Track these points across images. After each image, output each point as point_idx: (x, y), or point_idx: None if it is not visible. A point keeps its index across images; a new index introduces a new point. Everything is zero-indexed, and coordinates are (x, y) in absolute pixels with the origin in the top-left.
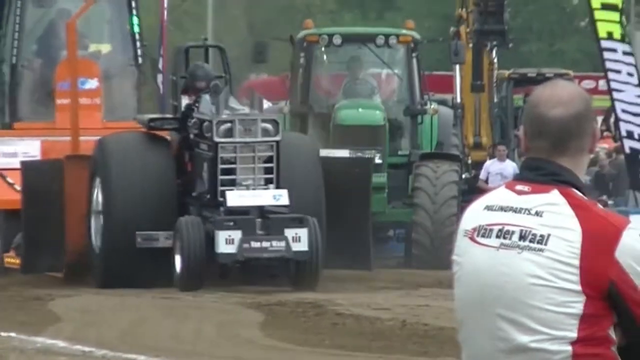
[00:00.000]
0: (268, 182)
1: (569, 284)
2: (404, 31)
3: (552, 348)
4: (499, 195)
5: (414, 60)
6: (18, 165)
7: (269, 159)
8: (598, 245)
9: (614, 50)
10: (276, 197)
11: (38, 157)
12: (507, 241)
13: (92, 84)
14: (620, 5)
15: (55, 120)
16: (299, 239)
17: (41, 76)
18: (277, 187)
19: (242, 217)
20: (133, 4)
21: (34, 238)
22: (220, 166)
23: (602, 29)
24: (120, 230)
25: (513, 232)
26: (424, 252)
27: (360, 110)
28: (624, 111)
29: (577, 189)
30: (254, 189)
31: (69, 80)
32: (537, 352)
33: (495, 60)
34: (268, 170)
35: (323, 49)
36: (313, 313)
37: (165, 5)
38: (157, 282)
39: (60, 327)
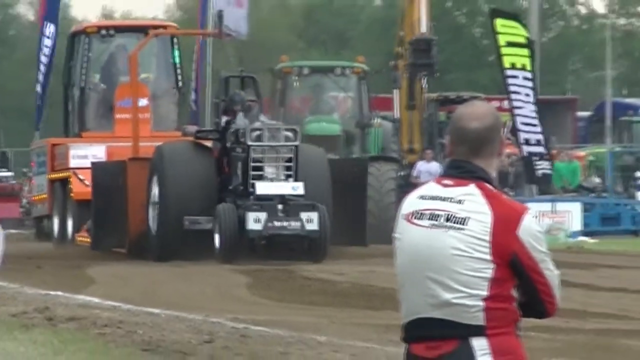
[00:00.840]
0: (288, 177)
1: (482, 254)
2: (356, 64)
3: (469, 303)
4: (430, 187)
5: (364, 86)
6: (88, 165)
7: (289, 159)
8: (504, 226)
9: (515, 77)
10: (294, 188)
11: (104, 159)
12: (436, 222)
13: (143, 102)
14: (525, 41)
15: (114, 130)
16: (311, 221)
17: (103, 96)
18: (295, 180)
19: (267, 202)
20: (175, 40)
21: (101, 222)
22: (252, 164)
23: (507, 61)
24: (172, 216)
25: (441, 215)
26: (372, 231)
27: (323, 124)
28: (522, 123)
29: (488, 183)
30: (277, 182)
31: (126, 99)
32: (458, 306)
33: (425, 86)
34: (288, 168)
35: (295, 77)
36: (286, 277)
37: (199, 44)
38: (200, 257)
39: (96, 287)
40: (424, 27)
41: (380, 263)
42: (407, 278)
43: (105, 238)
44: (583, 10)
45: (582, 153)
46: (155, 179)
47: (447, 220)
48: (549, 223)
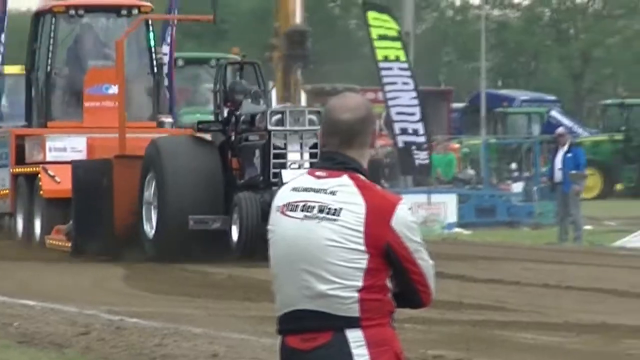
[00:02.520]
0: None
1: (356, 245)
2: (230, 55)
3: (343, 294)
4: (303, 179)
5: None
6: (67, 159)
7: (314, 145)
8: (378, 216)
9: (390, 69)
10: None
11: (84, 152)
12: (309, 213)
13: (115, 89)
14: (397, 34)
15: (83, 120)
16: None
17: (70, 82)
18: None
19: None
20: (150, 22)
21: (83, 227)
22: (273, 151)
23: (380, 54)
24: (174, 217)
25: (314, 207)
26: None
27: (198, 115)
28: (398, 113)
29: (361, 174)
30: (303, 170)
31: (96, 86)
32: (333, 298)
33: (300, 77)
34: (314, 155)
35: None
36: (163, 269)
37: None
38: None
39: None
40: (298, 18)
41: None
42: (281, 270)
43: (87, 243)
44: (457, 1)
45: (456, 145)
46: (150, 177)
47: (320, 211)
48: (424, 215)
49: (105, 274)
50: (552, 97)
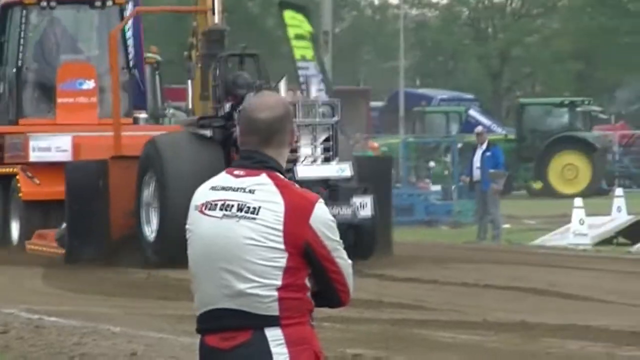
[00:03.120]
0: (326, 159)
1: (275, 243)
2: (149, 54)
3: (262, 293)
4: (221, 178)
5: (157, 77)
6: (52, 159)
7: (327, 139)
8: (297, 215)
9: (307, 68)
10: (341, 169)
11: (70, 152)
12: (228, 212)
13: (89, 84)
14: (308, 35)
15: (56, 117)
16: (365, 206)
17: (42, 77)
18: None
19: (311, 184)
20: (125, 14)
21: (78, 231)
22: None
23: (297, 53)
24: (177, 218)
25: (232, 206)
26: None
27: None
28: None
29: (280, 172)
30: (319, 164)
31: (70, 81)
32: (252, 296)
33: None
34: (327, 149)
35: None
36: (84, 268)
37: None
38: None
39: None
40: (216, 17)
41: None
42: (200, 269)
43: (82, 248)
44: (376, 0)
45: (375, 144)
46: (148, 177)
47: (239, 210)
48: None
49: (23, 273)
50: (471, 96)
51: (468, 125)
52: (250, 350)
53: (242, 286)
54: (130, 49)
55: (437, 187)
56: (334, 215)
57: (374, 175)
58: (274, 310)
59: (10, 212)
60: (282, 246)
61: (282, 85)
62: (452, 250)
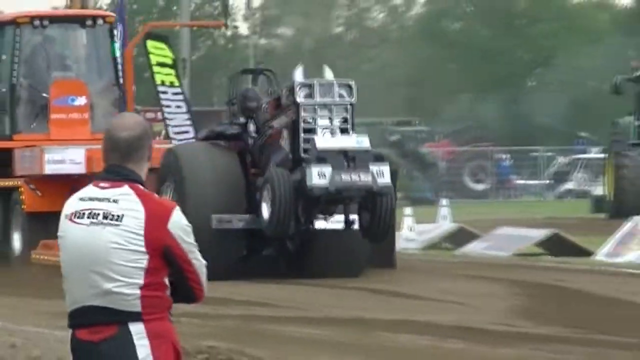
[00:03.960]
0: (344, 131)
1: (137, 247)
2: None
3: (127, 291)
4: (89, 190)
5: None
6: (67, 172)
7: (344, 120)
8: (156, 220)
9: (165, 92)
10: (359, 141)
11: (83, 164)
12: (95, 220)
13: (82, 100)
14: (171, 62)
15: (49, 132)
16: (382, 174)
17: (35, 94)
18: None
19: (331, 154)
20: (115, 32)
21: None
22: (303, 125)
23: (158, 78)
24: (194, 219)
25: (99, 214)
26: None
27: None
28: (175, 132)
29: (140, 184)
30: (337, 136)
31: (62, 97)
32: (117, 294)
33: None
34: (344, 131)
35: None
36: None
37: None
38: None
39: None
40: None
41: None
42: (71, 271)
43: None
44: (228, 32)
45: None
46: (167, 185)
47: (105, 218)
48: None
49: None
50: None
51: None
52: (115, 343)
53: (108, 285)
54: (119, 67)
55: None
56: (353, 182)
57: None
58: (137, 307)
59: (12, 224)
60: (143, 249)
61: (298, 71)
62: None
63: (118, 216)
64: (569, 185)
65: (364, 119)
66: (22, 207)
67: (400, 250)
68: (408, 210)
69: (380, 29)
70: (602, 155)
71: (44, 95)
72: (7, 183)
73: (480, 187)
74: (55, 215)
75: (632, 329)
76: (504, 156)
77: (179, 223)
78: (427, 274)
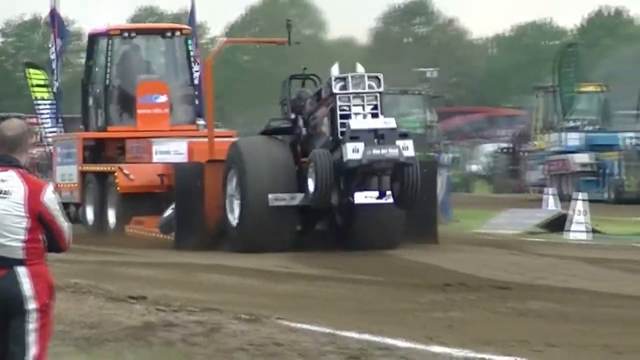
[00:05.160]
0: (374, 115)
1: (20, 213)
2: None
3: (14, 244)
4: None
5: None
6: (172, 160)
7: (375, 107)
8: (34, 194)
9: (40, 105)
10: (386, 122)
11: (185, 155)
12: None
13: (163, 98)
14: (44, 83)
15: (136, 125)
16: (407, 148)
17: (124, 93)
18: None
19: (363, 133)
20: (190, 42)
21: (183, 222)
22: (339, 112)
23: (37, 95)
24: (254, 201)
25: None
26: None
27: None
28: (48, 132)
29: (21, 168)
30: (368, 119)
31: (147, 96)
32: (8, 247)
33: None
34: (374, 116)
35: None
36: None
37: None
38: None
39: None
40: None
41: None
42: None
43: (187, 237)
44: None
45: None
46: (231, 173)
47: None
48: None
49: None
50: None
51: None
52: (6, 281)
53: (1, 240)
54: (193, 70)
55: None
56: (383, 155)
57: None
58: (21, 255)
59: (107, 202)
60: (25, 214)
61: (335, 67)
62: None
63: (7, 191)
64: None
65: None
66: (117, 188)
67: None
68: None
69: None
70: None
71: (132, 94)
72: (103, 168)
73: None
74: (144, 195)
75: (384, 272)
76: None
77: (49, 196)
78: None
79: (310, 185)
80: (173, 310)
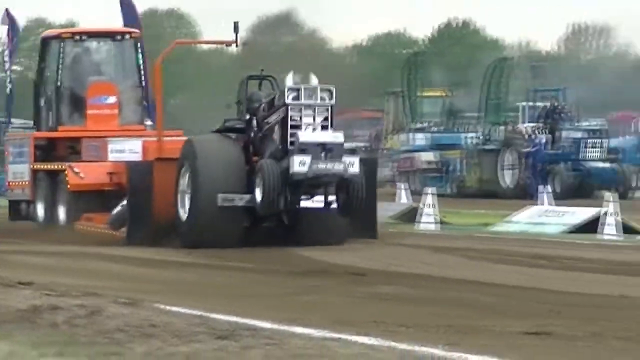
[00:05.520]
0: (324, 128)
1: None
2: None
3: None
4: None
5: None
6: (127, 159)
7: (325, 119)
8: None
9: None
10: (335, 136)
11: (140, 154)
12: None
13: (112, 99)
14: None
15: (86, 125)
16: (353, 165)
17: (74, 94)
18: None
19: (311, 146)
20: (139, 44)
21: (135, 218)
22: (290, 122)
23: None
24: (205, 198)
25: None
26: None
27: None
28: None
29: None
30: (317, 132)
31: (97, 97)
32: None
33: None
34: (324, 127)
35: None
36: None
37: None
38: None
39: None
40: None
41: None
42: None
43: (138, 232)
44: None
45: None
46: (184, 169)
47: None
48: None
49: None
50: None
51: None
52: None
53: None
54: (142, 73)
55: None
56: (328, 170)
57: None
58: None
59: (58, 199)
60: None
61: (289, 77)
62: None
63: None
64: None
65: None
66: (67, 186)
67: None
68: None
69: None
70: None
71: (82, 95)
72: (54, 166)
73: None
74: (94, 193)
75: (266, 263)
76: None
77: None
78: None
79: (258, 194)
80: (58, 295)
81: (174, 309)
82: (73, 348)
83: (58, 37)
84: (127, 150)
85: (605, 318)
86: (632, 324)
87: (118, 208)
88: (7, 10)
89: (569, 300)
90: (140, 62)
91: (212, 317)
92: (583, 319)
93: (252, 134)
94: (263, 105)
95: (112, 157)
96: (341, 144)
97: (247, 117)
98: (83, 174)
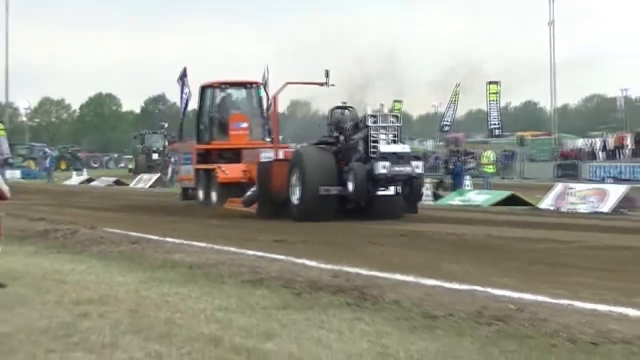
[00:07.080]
0: (394, 141)
1: None
2: None
3: None
4: None
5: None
6: (268, 160)
7: (394, 136)
8: None
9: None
10: (404, 147)
11: (272, 157)
12: None
13: (245, 124)
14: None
15: (229, 140)
16: (418, 167)
17: (221, 121)
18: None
19: (389, 154)
20: (260, 89)
21: (262, 199)
22: (371, 139)
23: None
24: (310, 189)
25: None
26: None
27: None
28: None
29: None
30: (391, 145)
31: (236, 123)
32: None
33: None
34: (393, 142)
35: None
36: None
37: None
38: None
39: None
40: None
41: None
42: None
43: (264, 208)
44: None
45: None
46: (294, 170)
47: None
48: None
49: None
50: None
51: None
52: None
53: None
54: (262, 107)
55: None
56: (401, 171)
57: None
58: None
59: (211, 188)
60: None
61: (369, 108)
62: None
63: None
64: None
65: None
66: (217, 179)
67: None
68: None
69: None
70: None
71: (226, 121)
72: (208, 166)
73: None
74: (234, 184)
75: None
76: None
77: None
78: None
79: (350, 186)
80: (57, 223)
81: (117, 230)
82: (64, 249)
83: (211, 86)
84: (273, 156)
85: None
86: None
87: (249, 192)
88: (184, 69)
89: None
90: (262, 100)
91: (145, 236)
92: None
93: (340, 146)
94: (348, 126)
95: (263, 157)
96: (409, 153)
97: (335, 134)
98: (227, 171)
